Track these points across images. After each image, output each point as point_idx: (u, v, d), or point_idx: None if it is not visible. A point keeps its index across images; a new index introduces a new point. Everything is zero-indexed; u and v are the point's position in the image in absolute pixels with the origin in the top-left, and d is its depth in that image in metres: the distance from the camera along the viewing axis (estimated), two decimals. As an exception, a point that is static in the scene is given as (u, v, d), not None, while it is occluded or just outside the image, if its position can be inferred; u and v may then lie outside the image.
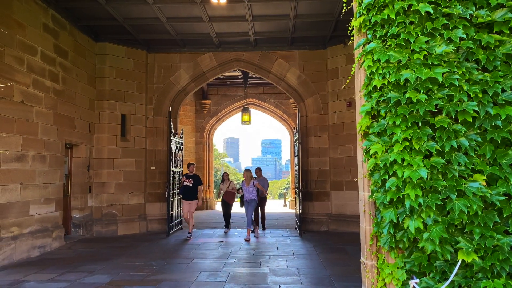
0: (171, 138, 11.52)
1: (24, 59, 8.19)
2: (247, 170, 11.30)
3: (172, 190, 11.47)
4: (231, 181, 12.34)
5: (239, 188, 11.62)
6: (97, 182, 11.19)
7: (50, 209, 9.00)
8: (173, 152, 11.71)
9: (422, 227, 3.48)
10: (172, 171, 11.52)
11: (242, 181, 11.11)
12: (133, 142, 11.87)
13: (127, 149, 11.73)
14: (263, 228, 12.41)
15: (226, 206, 12.25)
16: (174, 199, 11.64)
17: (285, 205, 22.09)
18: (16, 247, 7.78)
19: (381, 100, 3.83)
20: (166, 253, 8.64)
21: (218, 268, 7.32)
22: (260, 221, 12.27)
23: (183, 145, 12.84)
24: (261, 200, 12.04)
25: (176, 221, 11.92)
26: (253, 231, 11.26)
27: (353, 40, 4.53)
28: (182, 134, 12.77)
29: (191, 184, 10.89)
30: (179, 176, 12.28)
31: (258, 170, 12.58)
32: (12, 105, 7.81)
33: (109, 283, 6.30)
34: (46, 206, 8.86)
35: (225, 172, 12.86)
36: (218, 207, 22.01)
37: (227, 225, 12.13)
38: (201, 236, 11.02)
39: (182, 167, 12.64)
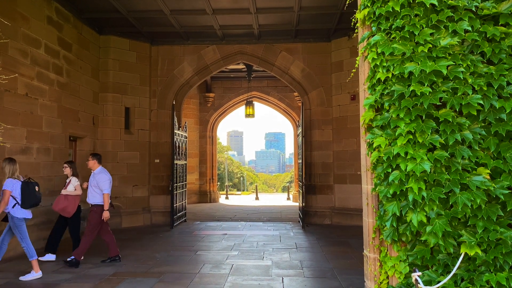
0: (175, 131, 11.53)
1: (28, 52, 8.20)
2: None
3: (176, 183, 11.50)
4: (71, 178, 7.54)
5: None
6: (101, 175, 11.21)
7: (55, 201, 9.05)
8: (177, 145, 11.73)
9: (425, 220, 3.49)
10: (176, 164, 11.55)
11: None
12: (137, 135, 11.89)
13: (131, 142, 11.76)
14: (76, 263, 6.82)
15: (64, 219, 7.62)
16: (177, 191, 11.69)
17: (288, 198, 22.13)
18: (21, 239, 7.83)
19: (385, 93, 3.82)
20: (170, 246, 8.70)
21: (221, 260, 7.36)
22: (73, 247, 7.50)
23: (186, 138, 12.86)
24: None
25: (180, 213, 11.98)
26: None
27: (357, 32, 4.50)
28: (185, 127, 12.78)
29: None
30: (182, 169, 12.31)
31: (92, 157, 7.31)
32: (17, 97, 7.84)
33: (113, 274, 6.36)
34: (50, 199, 8.91)
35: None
36: (222, 200, 22.06)
37: (54, 248, 7.46)
38: (205, 228, 11.07)
39: (186, 160, 12.67)
